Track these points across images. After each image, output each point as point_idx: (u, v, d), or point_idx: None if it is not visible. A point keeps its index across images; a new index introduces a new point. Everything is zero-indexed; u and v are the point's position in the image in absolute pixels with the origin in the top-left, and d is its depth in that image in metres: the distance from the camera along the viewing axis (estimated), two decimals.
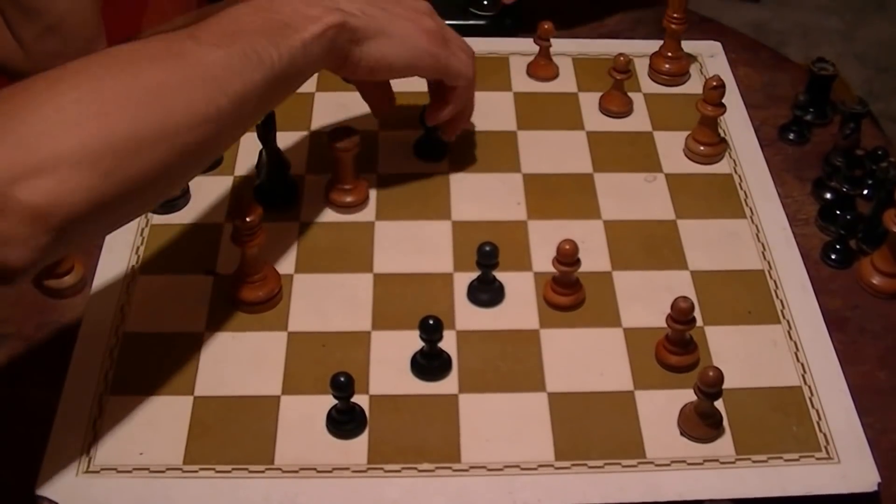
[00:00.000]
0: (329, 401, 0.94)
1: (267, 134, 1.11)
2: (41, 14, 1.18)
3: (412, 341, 0.99)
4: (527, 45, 1.34)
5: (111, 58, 0.87)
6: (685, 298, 0.97)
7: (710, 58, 1.39)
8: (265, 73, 0.93)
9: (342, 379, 0.92)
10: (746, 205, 1.18)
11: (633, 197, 1.19)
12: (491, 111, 1.23)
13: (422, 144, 1.23)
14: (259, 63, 0.92)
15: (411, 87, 1.21)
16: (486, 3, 1.42)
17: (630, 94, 1.30)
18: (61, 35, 1.20)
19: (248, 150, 1.20)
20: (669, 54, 1.34)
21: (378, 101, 1.18)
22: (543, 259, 1.09)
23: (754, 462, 0.94)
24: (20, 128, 0.78)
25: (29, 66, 1.23)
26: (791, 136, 1.27)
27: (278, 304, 1.06)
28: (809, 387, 1.00)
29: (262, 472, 0.92)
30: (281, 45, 0.94)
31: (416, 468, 0.93)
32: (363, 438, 0.95)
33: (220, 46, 0.90)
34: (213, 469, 0.93)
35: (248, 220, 1.00)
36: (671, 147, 1.25)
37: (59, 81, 0.82)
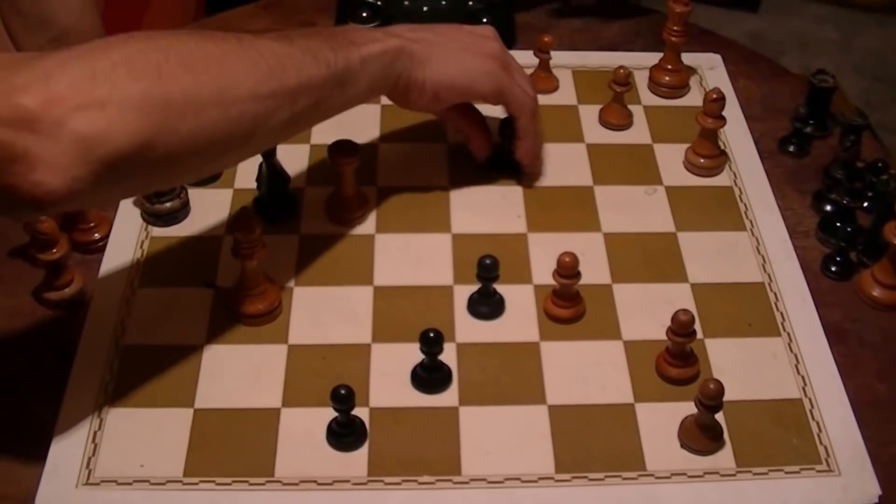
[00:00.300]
0: (329, 413, 0.94)
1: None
2: (45, 26, 1.18)
3: (412, 354, 0.99)
4: (527, 58, 1.34)
5: (178, 31, 0.92)
6: (685, 311, 0.97)
7: (710, 70, 1.39)
8: (322, 71, 0.96)
9: (343, 391, 0.92)
10: (746, 217, 1.18)
11: (634, 209, 1.19)
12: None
13: (496, 159, 1.24)
14: (315, 61, 0.96)
15: None
16: (485, 20, 1.42)
17: (630, 106, 1.30)
18: (65, 46, 1.20)
19: (249, 164, 1.19)
20: (669, 67, 1.35)
21: (476, 138, 1.21)
22: (543, 272, 1.09)
23: (755, 475, 0.94)
24: (88, 66, 0.82)
25: None
26: (791, 149, 1.27)
27: (278, 316, 1.06)
28: (810, 399, 1.00)
29: (263, 484, 0.92)
30: (339, 53, 0.98)
31: (416, 481, 0.93)
32: (363, 451, 0.95)
33: (279, 42, 0.95)
34: (214, 481, 0.92)
35: (248, 233, 1.00)
36: (671, 159, 1.25)
37: (131, 38, 0.86)
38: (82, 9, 1.19)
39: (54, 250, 1.03)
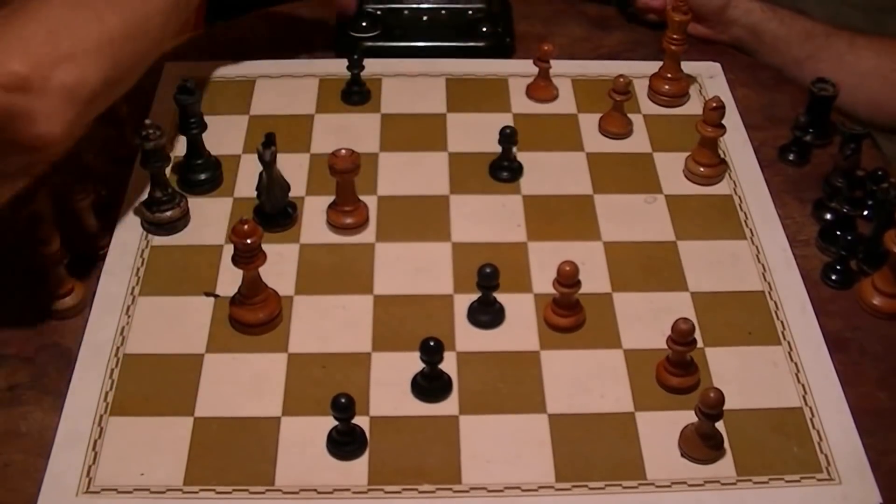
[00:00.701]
0: (329, 422, 0.94)
1: (267, 156, 1.11)
2: None
3: (412, 363, 0.99)
4: (526, 67, 1.35)
5: None
6: (686, 320, 0.97)
7: (710, 78, 1.39)
8: None
9: (343, 400, 0.92)
10: (746, 226, 1.18)
11: (633, 218, 1.19)
12: (490, 133, 1.23)
13: (496, 167, 1.24)
14: None
15: (413, 109, 1.22)
16: (484, 29, 1.42)
17: (630, 115, 1.30)
18: None
19: (249, 173, 1.20)
20: (669, 75, 1.35)
21: None
22: (544, 281, 1.09)
23: (755, 483, 0.94)
24: (44, 25, 0.98)
25: None
26: (791, 157, 1.28)
27: (278, 325, 1.06)
28: (810, 408, 1.00)
29: (263, 493, 0.92)
30: None
31: (416, 489, 0.93)
32: (364, 460, 0.95)
33: None
34: (214, 490, 0.92)
35: (248, 241, 1.00)
36: (671, 168, 1.25)
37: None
38: None
39: (54, 259, 1.03)
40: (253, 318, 1.05)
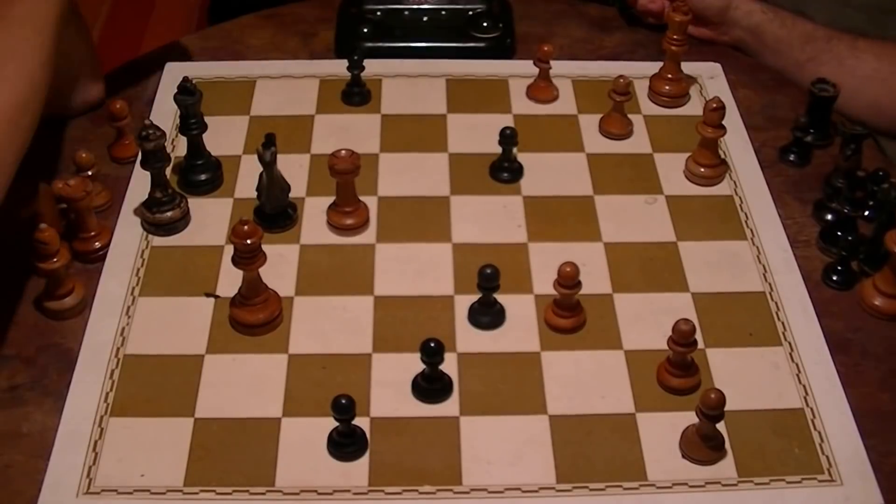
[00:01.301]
0: (330, 423, 0.94)
1: (267, 157, 1.11)
2: None
3: (413, 364, 0.99)
4: (526, 68, 1.34)
5: None
6: (686, 321, 0.97)
7: (710, 79, 1.39)
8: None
9: (343, 401, 0.92)
10: (747, 227, 1.18)
11: (634, 219, 1.19)
12: (491, 133, 1.22)
13: (496, 168, 1.24)
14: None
15: (414, 110, 1.21)
16: (485, 24, 1.42)
17: (630, 116, 1.30)
18: (57, 70, 1.22)
19: (249, 173, 1.20)
20: (669, 76, 1.35)
21: None
22: (544, 282, 1.09)
23: (756, 484, 0.94)
24: None
25: None
26: (792, 158, 1.27)
27: (279, 326, 1.06)
28: (812, 409, 1.00)
29: (263, 494, 0.92)
30: None
31: (416, 490, 0.93)
32: (364, 461, 0.95)
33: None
34: (214, 491, 0.92)
35: (247, 242, 1.00)
36: (671, 169, 1.25)
37: None
38: (70, 35, 1.19)
39: (55, 260, 1.03)
40: (253, 318, 1.04)
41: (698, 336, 0.99)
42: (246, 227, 1.00)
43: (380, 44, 1.41)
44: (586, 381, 1.02)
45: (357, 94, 1.33)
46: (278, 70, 1.39)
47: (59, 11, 1.06)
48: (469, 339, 1.05)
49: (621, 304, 1.09)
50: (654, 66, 1.37)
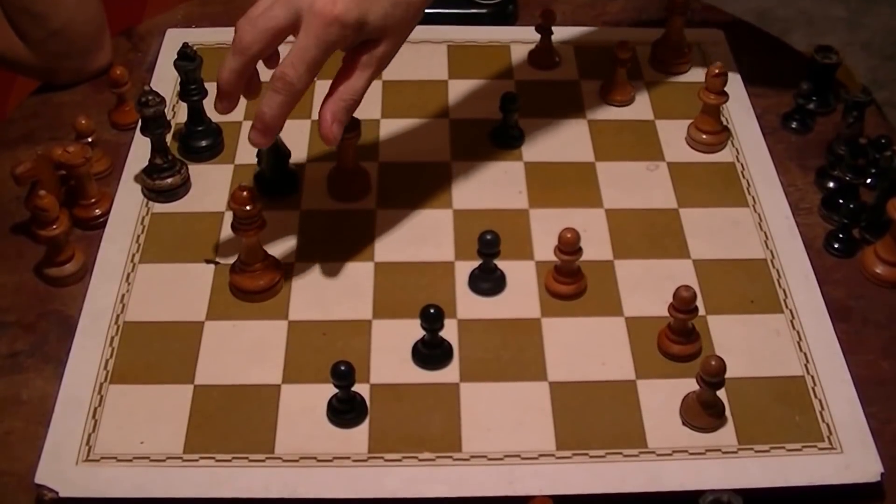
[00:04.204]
0: (330, 390, 0.94)
1: None
2: (47, 19, 1.22)
3: (413, 330, 0.99)
4: (528, 34, 1.34)
5: None
6: (687, 287, 0.96)
7: (713, 46, 1.38)
8: None
9: (343, 368, 0.92)
10: (749, 193, 1.18)
11: (635, 186, 1.18)
12: (492, 99, 1.22)
13: (497, 133, 1.24)
14: None
15: (415, 75, 1.21)
16: None
17: (632, 82, 1.29)
18: (66, 37, 1.25)
19: None
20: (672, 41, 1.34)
21: None
22: (545, 248, 1.08)
23: (756, 452, 0.94)
24: None
25: (36, 63, 1.27)
26: (794, 125, 1.27)
27: (279, 292, 1.06)
28: (812, 377, 1.00)
29: (263, 461, 0.92)
30: None
31: (416, 457, 0.93)
32: (364, 427, 0.95)
33: None
34: (214, 458, 0.92)
35: (247, 208, 1.00)
36: (673, 135, 1.25)
37: None
38: (79, 2, 1.22)
39: (55, 226, 1.03)
40: (253, 285, 1.04)
41: (699, 303, 0.99)
42: (245, 193, 0.99)
43: None
44: (587, 348, 1.02)
45: None
46: None
47: None
48: (469, 305, 1.05)
49: (622, 270, 1.09)
50: (656, 33, 1.36)
